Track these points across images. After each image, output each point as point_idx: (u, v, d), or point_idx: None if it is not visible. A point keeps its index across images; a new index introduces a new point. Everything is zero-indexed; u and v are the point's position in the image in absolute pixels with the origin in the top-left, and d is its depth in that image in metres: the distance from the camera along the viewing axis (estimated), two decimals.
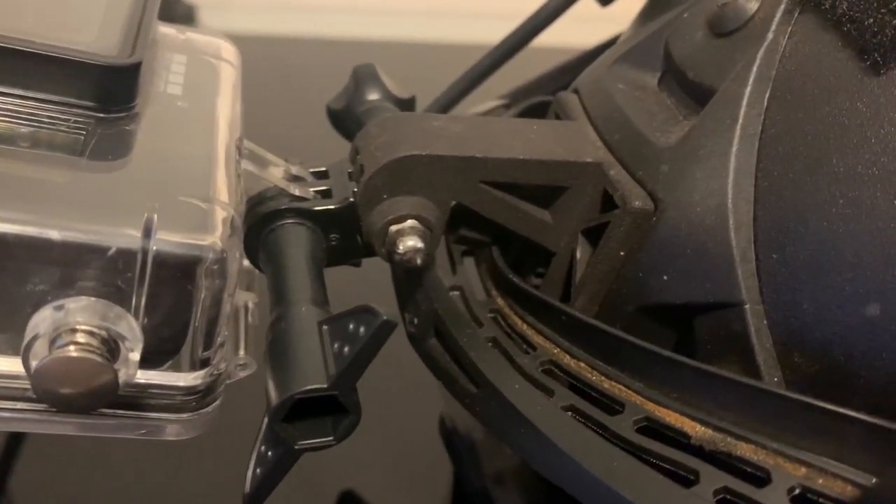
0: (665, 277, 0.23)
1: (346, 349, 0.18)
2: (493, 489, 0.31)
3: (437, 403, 0.34)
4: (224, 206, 0.20)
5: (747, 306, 0.22)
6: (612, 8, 0.35)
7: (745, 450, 0.19)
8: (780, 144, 0.22)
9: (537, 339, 0.24)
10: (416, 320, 0.25)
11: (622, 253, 0.24)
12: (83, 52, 0.20)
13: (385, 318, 0.18)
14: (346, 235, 0.24)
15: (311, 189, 0.24)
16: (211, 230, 0.19)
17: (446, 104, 0.35)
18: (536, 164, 0.24)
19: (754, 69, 0.23)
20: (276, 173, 0.24)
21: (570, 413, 0.21)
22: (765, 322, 0.22)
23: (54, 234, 0.17)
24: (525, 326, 0.24)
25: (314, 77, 0.58)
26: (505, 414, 0.21)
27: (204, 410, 0.20)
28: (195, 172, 0.20)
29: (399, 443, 0.32)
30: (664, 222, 0.23)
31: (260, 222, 0.23)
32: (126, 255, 0.18)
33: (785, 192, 0.22)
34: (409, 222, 0.23)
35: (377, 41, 0.66)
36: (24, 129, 0.20)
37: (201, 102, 0.23)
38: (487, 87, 0.36)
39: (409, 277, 0.26)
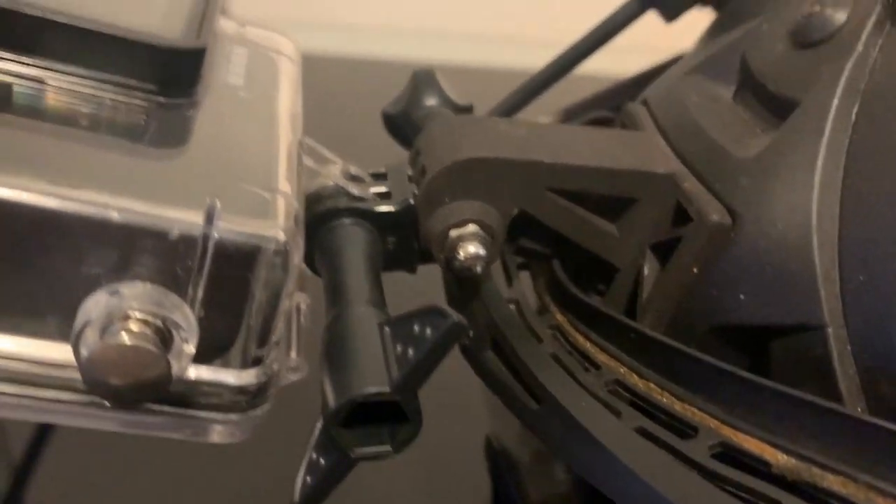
0: (742, 297, 0.22)
1: (410, 352, 0.17)
2: None
3: (479, 423, 0.32)
4: (287, 197, 0.19)
5: (830, 330, 0.20)
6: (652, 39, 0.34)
7: (832, 482, 0.18)
8: (868, 160, 0.21)
9: (601, 358, 0.23)
10: (471, 332, 0.24)
11: (695, 269, 0.22)
12: (148, 35, 0.20)
13: (455, 319, 0.17)
14: (403, 239, 0.23)
15: (370, 190, 0.23)
16: (274, 220, 0.18)
17: (506, 112, 0.34)
18: (607, 173, 0.23)
19: (842, 81, 0.21)
20: (334, 171, 0.23)
21: (639, 435, 0.20)
22: (848, 347, 0.20)
23: (114, 215, 0.16)
24: (588, 344, 0.23)
25: (350, 96, 0.58)
26: (570, 432, 0.20)
27: (253, 412, 0.19)
28: (258, 162, 0.20)
29: (438, 464, 0.31)
30: (743, 238, 0.22)
31: (317, 221, 0.22)
32: (186, 241, 0.17)
33: (873, 211, 0.20)
34: (471, 227, 0.22)
35: (414, 61, 0.66)
36: (84, 110, 0.19)
37: (263, 95, 0.23)
38: (532, 109, 0.36)
39: (464, 287, 0.25)
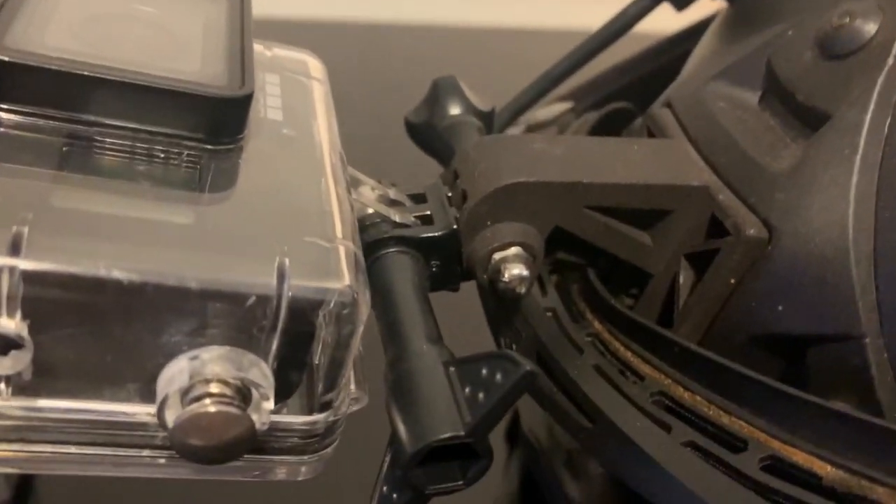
0: (780, 308, 0.22)
1: (481, 395, 0.18)
2: None
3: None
4: (347, 245, 0.19)
5: (867, 340, 0.21)
6: None
7: (881, 494, 0.19)
8: None
9: (644, 369, 0.23)
10: (514, 346, 0.25)
11: (732, 281, 0.23)
12: (195, 84, 0.20)
13: (528, 367, 0.17)
14: (447, 262, 0.24)
15: (412, 214, 0.24)
16: (340, 272, 0.18)
17: (517, 110, 0.34)
18: (643, 189, 0.24)
19: (875, 95, 0.22)
20: (374, 197, 0.24)
21: (690, 449, 0.21)
22: (885, 356, 0.21)
23: (192, 285, 0.17)
24: (629, 354, 0.24)
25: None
26: (625, 450, 0.21)
27: (322, 452, 0.20)
28: (313, 208, 0.20)
29: None
30: (780, 252, 0.22)
31: (364, 251, 0.23)
32: (261, 303, 0.17)
33: None
34: (514, 249, 0.23)
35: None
36: (137, 166, 0.19)
37: (304, 128, 0.23)
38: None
39: (503, 301, 0.25)
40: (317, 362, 0.19)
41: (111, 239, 0.17)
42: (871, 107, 0.22)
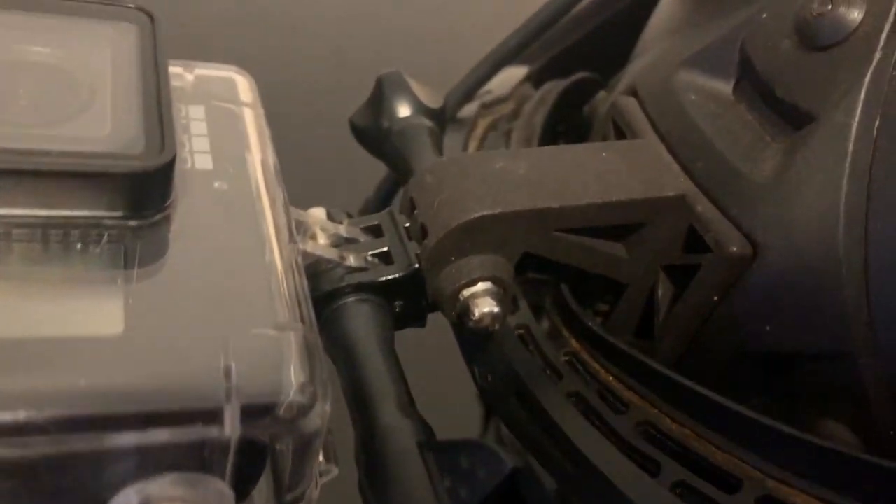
0: (767, 327, 0.21)
1: (462, 492, 0.17)
2: None
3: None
4: (297, 327, 0.17)
5: (861, 358, 0.20)
6: None
7: None
8: (892, 182, 0.20)
9: (628, 396, 0.22)
10: (489, 377, 0.23)
11: (715, 298, 0.22)
12: (107, 158, 0.17)
13: (512, 465, 0.16)
14: (411, 300, 0.22)
15: (368, 254, 0.22)
16: (294, 368, 0.17)
17: (469, 90, 0.32)
18: (615, 206, 0.22)
19: (862, 94, 0.20)
20: (325, 241, 0.21)
21: (680, 490, 0.20)
22: (881, 374, 0.20)
23: (129, 410, 0.15)
24: (611, 378, 0.23)
25: None
26: (612, 500, 0.20)
27: None
28: (255, 285, 0.18)
29: None
30: (765, 268, 0.21)
31: (319, 302, 0.21)
32: (209, 418, 0.16)
33: None
34: (482, 285, 0.21)
35: None
36: (53, 258, 0.17)
37: (238, 175, 0.20)
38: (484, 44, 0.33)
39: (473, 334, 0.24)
40: (285, 465, 0.17)
41: (27, 370, 0.15)
42: (859, 108, 0.20)
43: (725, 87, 0.23)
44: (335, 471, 0.20)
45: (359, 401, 0.19)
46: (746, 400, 0.21)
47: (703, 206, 0.22)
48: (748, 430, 0.20)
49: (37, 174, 0.16)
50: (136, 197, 0.18)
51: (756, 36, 0.22)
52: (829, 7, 0.21)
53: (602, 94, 0.30)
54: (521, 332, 0.24)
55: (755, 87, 0.22)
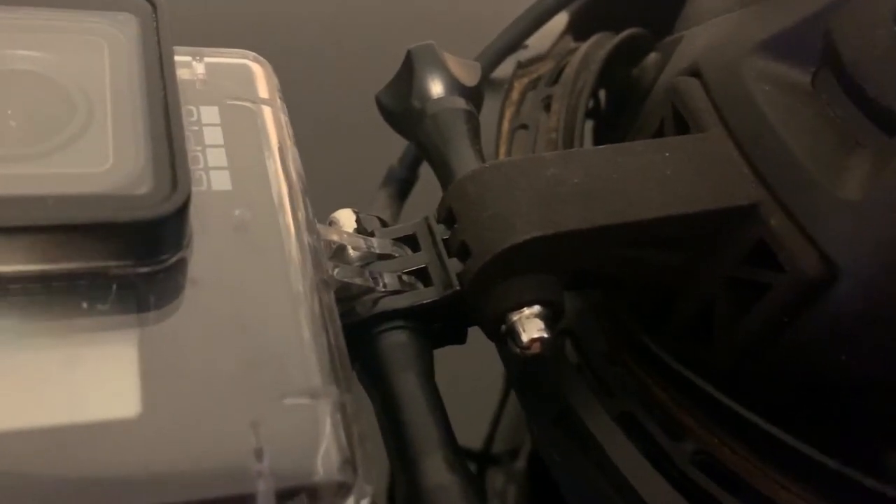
0: (843, 357, 0.19)
1: None
2: None
3: None
4: (333, 392, 0.15)
5: None
6: None
7: None
8: None
9: (687, 421, 0.20)
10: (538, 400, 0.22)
11: (784, 319, 0.20)
12: (109, 203, 0.15)
13: None
14: (451, 321, 0.20)
15: (404, 272, 0.20)
16: (333, 443, 0.15)
17: (503, 50, 0.29)
18: (682, 219, 0.19)
19: None
20: (356, 260, 0.19)
21: None
22: None
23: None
24: (668, 398, 0.21)
25: None
26: None
27: None
28: (286, 342, 0.16)
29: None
30: (846, 295, 0.19)
31: (351, 330, 0.19)
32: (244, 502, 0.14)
33: None
34: (531, 308, 0.19)
35: None
36: (56, 317, 0.15)
37: (260, 197, 0.18)
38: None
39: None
40: None
41: (32, 465, 0.13)
42: None
43: (803, 77, 0.21)
44: (370, 493, 0.19)
45: (399, 446, 0.18)
46: (802, 427, 0.19)
47: (777, 219, 0.20)
48: (823, 478, 0.18)
49: (32, 230, 0.14)
50: (146, 246, 0.15)
51: (846, 21, 0.20)
52: None
53: (653, 55, 0.27)
54: (566, 339, 0.22)
55: (840, 80, 0.20)
